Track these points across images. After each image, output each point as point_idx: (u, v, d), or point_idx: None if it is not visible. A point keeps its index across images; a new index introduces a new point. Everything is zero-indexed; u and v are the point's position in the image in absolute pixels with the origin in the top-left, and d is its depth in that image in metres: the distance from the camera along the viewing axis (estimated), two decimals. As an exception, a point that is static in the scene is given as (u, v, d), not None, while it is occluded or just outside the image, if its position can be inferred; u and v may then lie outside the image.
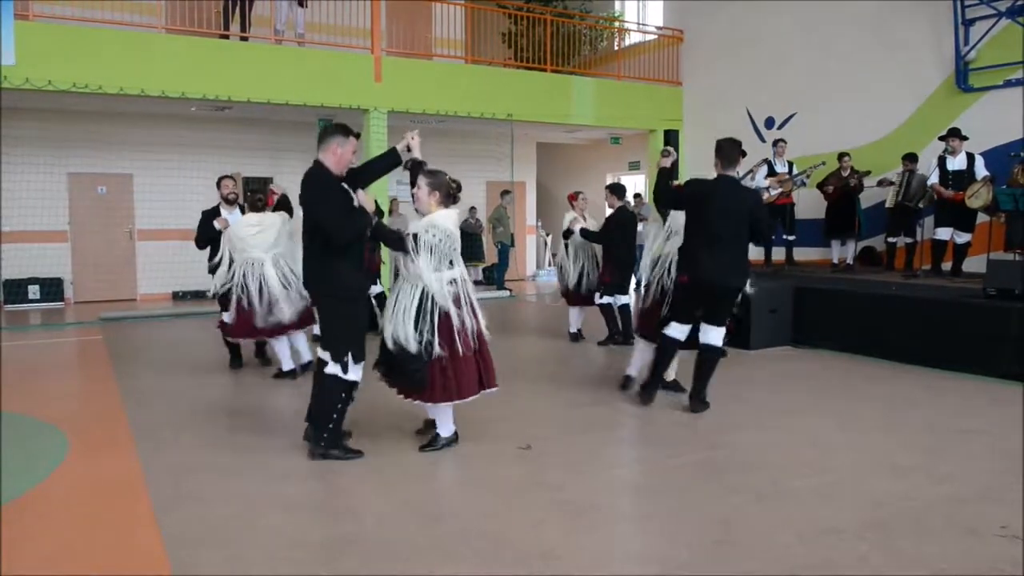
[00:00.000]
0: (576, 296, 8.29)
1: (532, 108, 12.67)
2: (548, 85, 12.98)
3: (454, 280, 4.36)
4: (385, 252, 9.58)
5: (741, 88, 12.79)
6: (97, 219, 12.31)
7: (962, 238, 8.55)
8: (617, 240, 7.81)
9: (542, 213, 17.14)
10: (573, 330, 8.51)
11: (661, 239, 5.77)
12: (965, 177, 8.40)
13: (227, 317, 6.76)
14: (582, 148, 17.32)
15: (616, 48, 15.41)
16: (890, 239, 9.61)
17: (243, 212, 6.76)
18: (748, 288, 5.33)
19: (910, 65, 10.38)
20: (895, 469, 4.21)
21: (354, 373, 4.29)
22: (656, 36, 14.40)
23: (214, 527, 3.43)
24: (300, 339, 6.53)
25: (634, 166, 16.05)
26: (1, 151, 11.23)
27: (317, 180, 4.20)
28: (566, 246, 8.39)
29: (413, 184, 4.46)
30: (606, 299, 7.92)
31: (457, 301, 4.33)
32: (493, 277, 14.04)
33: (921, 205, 9.08)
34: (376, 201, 7.74)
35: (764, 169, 10.01)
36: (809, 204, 10.58)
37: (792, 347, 7.92)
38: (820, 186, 10.14)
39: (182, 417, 5.32)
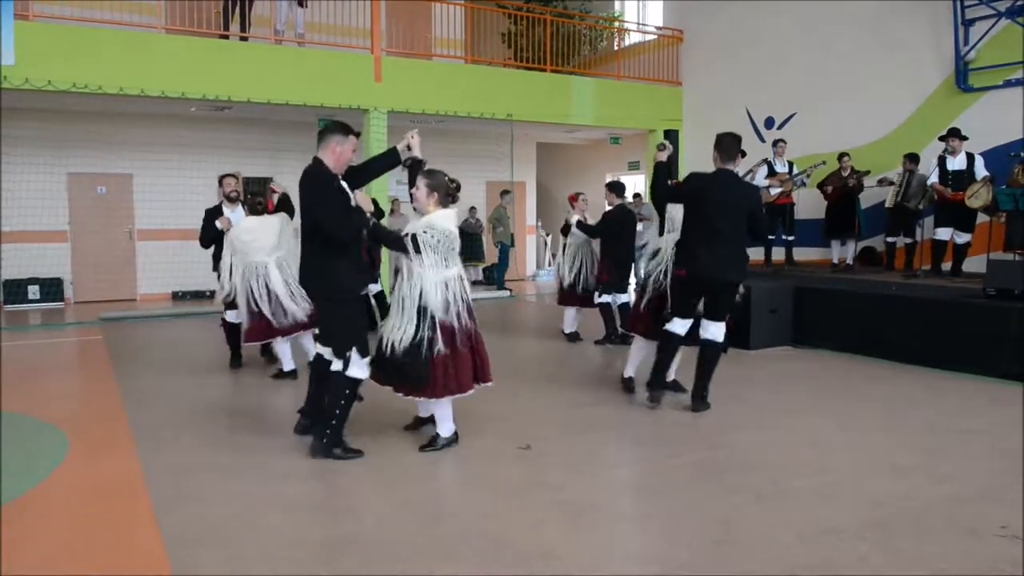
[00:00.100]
0: (572, 296, 8.26)
1: (532, 108, 12.67)
2: (548, 85, 12.98)
3: (452, 279, 4.37)
4: (384, 252, 9.60)
5: (741, 88, 12.79)
6: (97, 219, 12.31)
7: (962, 238, 8.55)
8: (615, 237, 7.79)
9: (542, 213, 17.14)
10: (567, 330, 8.46)
11: (659, 235, 5.77)
12: (965, 177, 8.40)
13: (230, 317, 6.76)
14: (582, 148, 17.32)
15: (616, 48, 15.41)
16: (889, 239, 9.61)
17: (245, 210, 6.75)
18: (740, 289, 5.32)
19: (910, 65, 10.38)
20: (895, 469, 4.21)
21: (359, 370, 4.29)
22: (656, 36, 14.40)
23: (214, 527, 3.43)
24: (307, 338, 6.51)
25: (634, 166, 16.05)
26: (1, 151, 11.23)
27: (316, 179, 4.20)
28: (564, 247, 8.37)
29: (412, 184, 4.47)
30: (605, 298, 7.90)
31: (454, 299, 4.34)
32: (493, 277, 14.04)
33: (921, 206, 9.08)
34: (376, 201, 7.77)
35: (764, 169, 10.02)
36: (809, 204, 10.58)
37: (792, 347, 7.92)
38: (820, 186, 10.15)
39: (182, 417, 5.32)
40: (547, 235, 16.81)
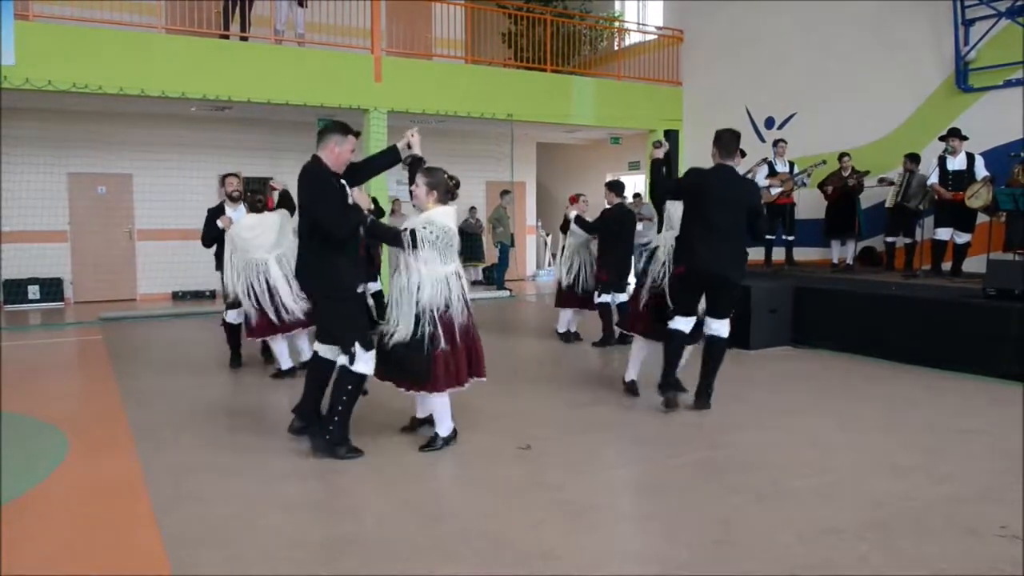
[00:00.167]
0: (571, 298, 8.22)
1: (532, 108, 12.67)
2: (548, 85, 12.98)
3: (450, 275, 4.37)
4: (385, 251, 9.60)
5: (741, 88, 12.79)
6: (97, 219, 12.31)
7: (962, 238, 8.55)
8: (614, 236, 7.78)
9: (542, 213, 17.14)
10: (562, 330, 8.44)
11: (658, 234, 5.76)
12: (965, 177, 8.40)
13: (231, 317, 6.76)
14: (582, 148, 17.32)
15: (616, 48, 15.41)
16: (888, 239, 9.62)
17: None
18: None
19: (910, 65, 10.38)
20: (895, 469, 4.21)
21: (364, 364, 4.27)
22: (656, 36, 14.40)
23: (214, 527, 3.43)
24: (303, 338, 6.52)
25: (634, 166, 16.04)
26: (1, 151, 11.23)
27: (314, 177, 4.21)
28: (562, 248, 8.36)
29: (412, 182, 4.49)
30: (604, 297, 7.89)
31: (452, 296, 4.35)
32: (493, 277, 14.04)
33: (922, 207, 9.08)
34: (376, 200, 7.78)
35: (765, 169, 10.02)
36: (809, 204, 10.58)
37: (792, 347, 7.91)
38: (820, 186, 10.15)
39: (182, 417, 5.32)
40: (547, 235, 16.81)
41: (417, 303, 4.29)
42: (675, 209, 5.55)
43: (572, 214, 8.11)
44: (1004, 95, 9.42)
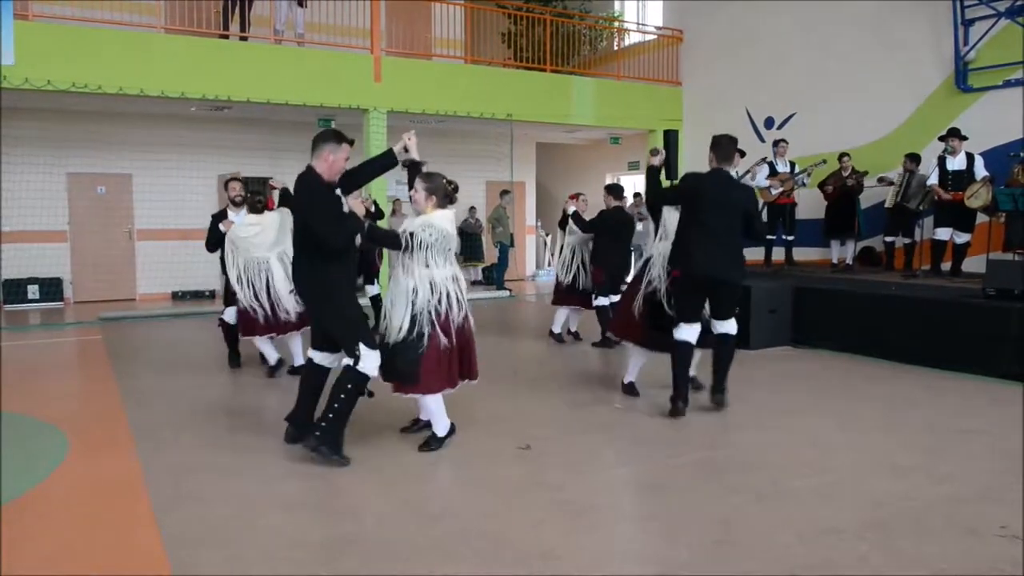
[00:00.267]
0: (570, 296, 8.21)
1: (532, 108, 12.67)
2: (548, 85, 12.98)
3: (447, 278, 4.38)
4: (385, 256, 9.59)
5: (741, 88, 12.79)
6: (96, 219, 12.30)
7: (961, 238, 8.55)
8: (612, 238, 7.78)
9: (542, 213, 17.13)
10: (556, 330, 8.42)
11: (654, 240, 5.75)
12: (965, 177, 8.40)
13: (228, 316, 6.76)
14: (582, 148, 17.32)
15: (616, 48, 15.42)
16: (887, 239, 9.62)
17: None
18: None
19: (910, 65, 10.39)
20: (895, 469, 4.21)
21: (370, 363, 4.22)
22: (656, 36, 14.40)
23: (214, 527, 3.43)
24: (295, 340, 6.51)
25: (634, 166, 16.04)
26: (1, 151, 11.23)
27: (308, 187, 4.19)
28: (561, 246, 8.35)
29: (411, 187, 4.50)
30: (602, 300, 7.88)
31: (448, 298, 4.35)
32: (493, 277, 14.04)
33: (922, 207, 9.08)
34: (375, 202, 7.78)
35: (765, 169, 10.02)
36: (809, 204, 10.58)
37: (792, 347, 7.91)
38: (820, 186, 10.15)
39: (182, 417, 5.32)
40: (547, 235, 16.80)
41: (413, 304, 4.30)
42: (671, 217, 5.55)
43: (571, 209, 8.11)
44: (1004, 95, 9.43)
